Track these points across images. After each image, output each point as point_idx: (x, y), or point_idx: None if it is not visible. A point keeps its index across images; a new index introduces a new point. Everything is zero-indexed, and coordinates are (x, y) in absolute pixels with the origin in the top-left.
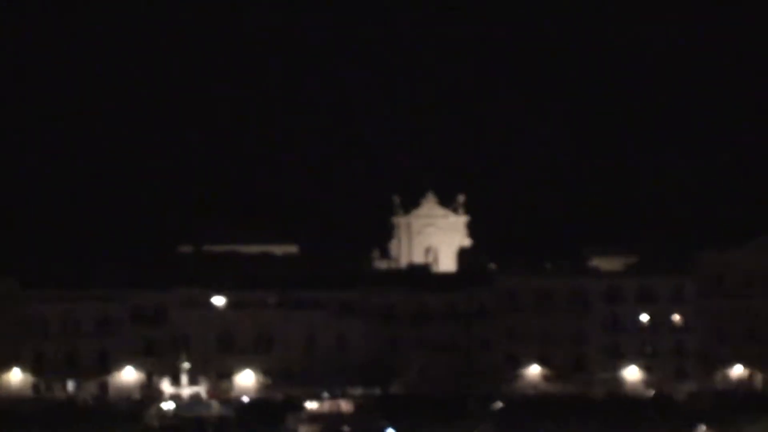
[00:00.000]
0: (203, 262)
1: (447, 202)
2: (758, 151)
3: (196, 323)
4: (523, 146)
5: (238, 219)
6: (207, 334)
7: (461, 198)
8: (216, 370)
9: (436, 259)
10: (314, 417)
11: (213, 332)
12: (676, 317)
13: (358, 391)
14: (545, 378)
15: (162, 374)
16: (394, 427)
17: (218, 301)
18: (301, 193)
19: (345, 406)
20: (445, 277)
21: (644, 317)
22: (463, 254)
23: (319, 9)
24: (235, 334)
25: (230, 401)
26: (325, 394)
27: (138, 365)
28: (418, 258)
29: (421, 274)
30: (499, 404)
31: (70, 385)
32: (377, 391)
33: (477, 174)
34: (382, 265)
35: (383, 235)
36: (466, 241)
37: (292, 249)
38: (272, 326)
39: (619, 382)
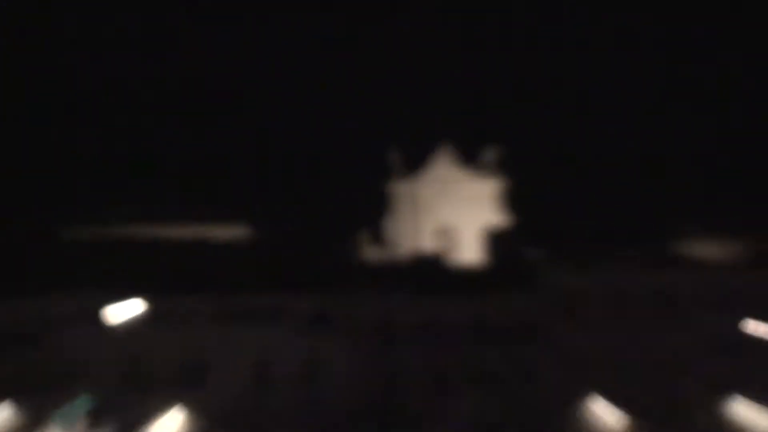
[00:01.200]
0: (101, 253)
1: (471, 159)
2: None
3: (92, 346)
4: (583, 83)
5: (157, 188)
6: (109, 361)
7: (492, 153)
8: (124, 413)
9: (454, 246)
10: None
11: (118, 359)
12: None
13: None
14: (623, 426)
15: (38, 422)
16: None
17: (125, 312)
18: (252, 149)
19: None
20: (469, 273)
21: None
22: (494, 239)
23: None
24: (151, 360)
25: None
26: None
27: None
28: (428, 244)
29: (433, 269)
30: None
31: None
32: None
33: (515, 119)
34: (373, 255)
35: (375, 210)
36: (499, 219)
37: (239, 232)
38: (207, 348)
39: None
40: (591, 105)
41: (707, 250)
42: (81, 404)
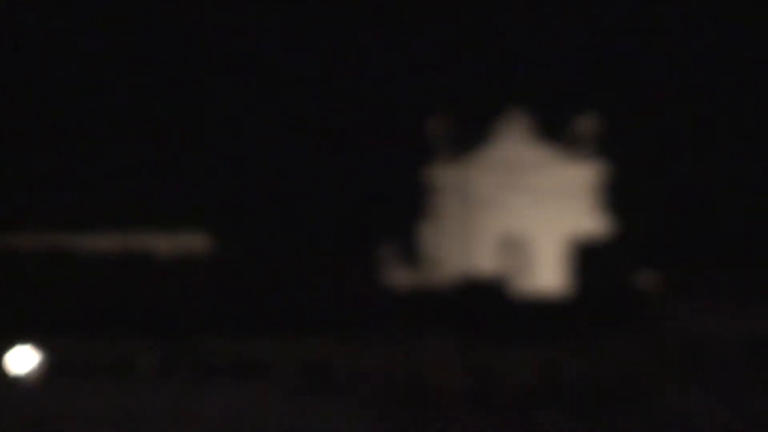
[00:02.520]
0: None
1: (554, 131)
2: None
3: None
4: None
5: (84, 182)
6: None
7: (587, 122)
8: None
9: (524, 266)
10: None
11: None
12: None
13: None
14: None
15: None
16: None
17: (24, 360)
18: (225, 121)
19: None
20: (545, 307)
21: None
22: (587, 255)
23: None
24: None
25: None
26: None
27: None
28: (487, 262)
29: (491, 301)
30: None
31: None
32: None
33: (618, 77)
34: (402, 278)
35: (407, 210)
36: (595, 224)
37: (199, 242)
38: (147, 417)
39: None
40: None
41: None
42: None
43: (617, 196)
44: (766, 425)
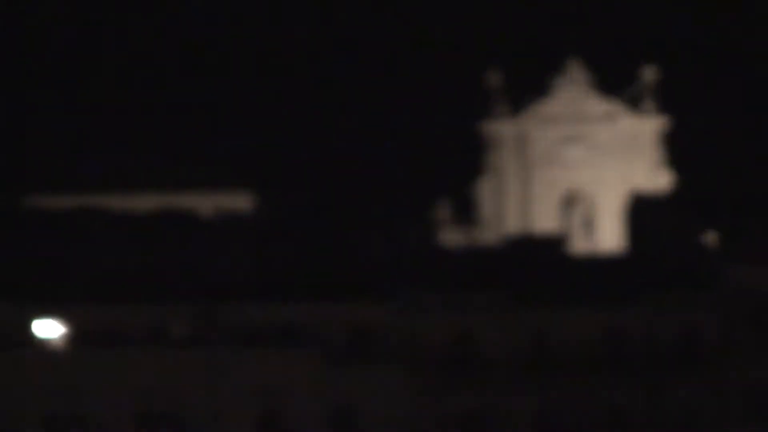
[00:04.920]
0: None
1: (615, 84)
2: None
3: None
4: None
5: (125, 142)
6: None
7: (649, 74)
8: None
9: (588, 224)
10: None
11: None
12: None
13: None
14: None
15: None
16: None
17: (54, 328)
18: (272, 76)
19: None
20: (609, 267)
21: None
22: (654, 212)
23: None
24: (93, 399)
25: None
26: None
27: None
28: (547, 222)
29: (551, 262)
30: None
31: None
32: None
33: (680, 28)
34: (458, 239)
35: (464, 168)
36: (661, 181)
37: (244, 202)
38: (186, 389)
39: None
40: None
41: None
42: None
43: (680, 151)
44: None
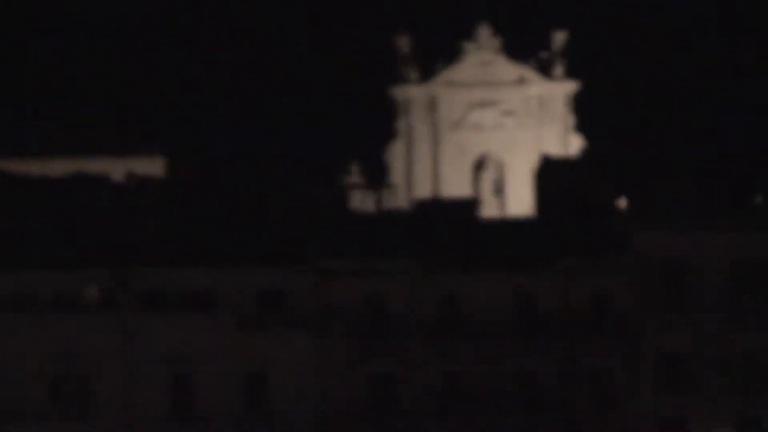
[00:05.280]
0: None
1: (524, 49)
2: None
3: None
4: None
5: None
6: None
7: (560, 37)
8: None
9: (501, 190)
10: None
11: None
12: None
13: None
14: None
15: None
16: None
17: None
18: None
19: None
20: (518, 231)
21: None
22: (563, 176)
23: None
24: (5, 364)
25: None
26: None
27: None
28: (457, 187)
29: (460, 226)
30: None
31: None
32: None
33: None
34: (368, 202)
35: (374, 133)
36: (577, 147)
37: (157, 168)
38: (99, 353)
39: None
40: None
41: None
42: None
43: (590, 116)
44: (753, 366)
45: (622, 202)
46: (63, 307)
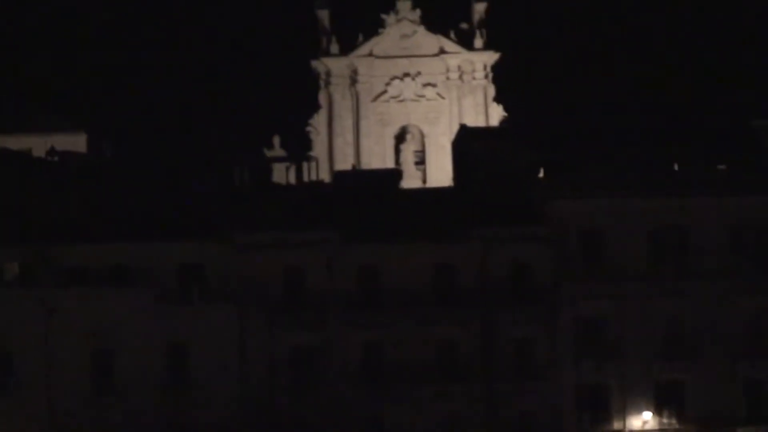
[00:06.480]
0: None
1: (444, 20)
2: None
3: None
4: None
5: None
6: None
7: (480, 8)
8: None
9: (422, 160)
10: None
11: None
12: None
13: None
14: None
15: None
16: None
17: None
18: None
19: None
20: (437, 200)
21: None
22: (481, 145)
23: None
24: None
25: None
26: None
27: None
28: (380, 159)
29: (381, 198)
30: None
31: None
32: None
33: None
34: (289, 175)
35: (296, 106)
36: (497, 117)
37: (79, 144)
38: (19, 329)
39: None
40: None
41: None
42: None
43: (509, 87)
44: (672, 331)
45: (540, 172)
46: None
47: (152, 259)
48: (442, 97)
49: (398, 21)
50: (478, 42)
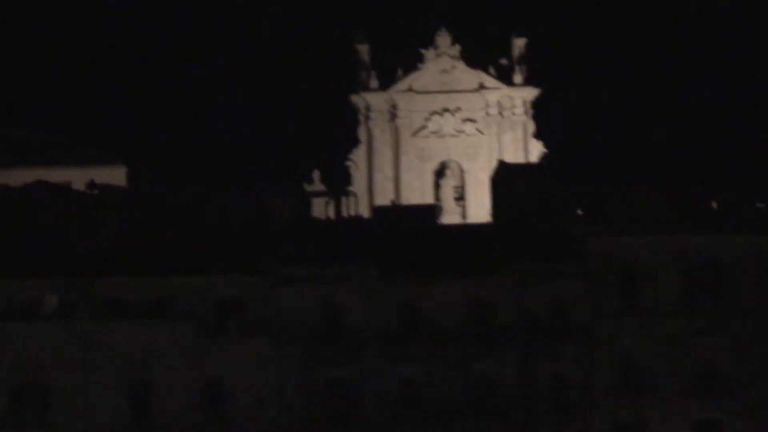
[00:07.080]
0: None
1: (484, 56)
2: None
3: None
4: None
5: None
6: None
7: (519, 44)
8: None
9: (462, 197)
10: None
11: None
12: None
13: None
14: None
15: None
16: None
17: None
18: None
19: None
20: (477, 238)
21: None
22: (521, 182)
23: None
24: None
25: None
26: None
27: None
28: (419, 194)
29: (420, 232)
30: None
31: None
32: None
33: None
34: (329, 209)
35: (335, 140)
36: (535, 153)
37: (118, 177)
38: (59, 362)
39: None
40: None
41: None
42: None
43: (549, 123)
44: (708, 369)
45: (579, 208)
46: (22, 316)
47: (191, 292)
48: (482, 133)
49: (437, 56)
50: (518, 77)
